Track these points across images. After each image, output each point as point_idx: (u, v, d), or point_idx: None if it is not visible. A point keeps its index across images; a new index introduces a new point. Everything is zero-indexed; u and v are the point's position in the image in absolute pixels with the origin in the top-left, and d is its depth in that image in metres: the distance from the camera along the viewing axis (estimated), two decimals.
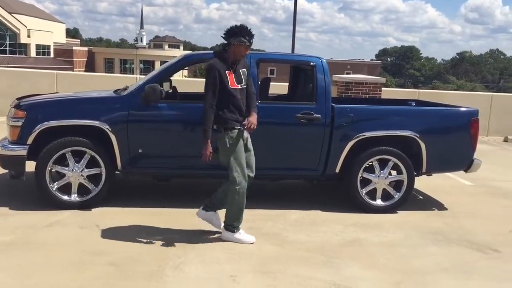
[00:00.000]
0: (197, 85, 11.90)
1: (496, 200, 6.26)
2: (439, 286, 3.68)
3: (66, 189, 4.98)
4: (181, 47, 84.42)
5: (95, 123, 4.91)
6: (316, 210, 5.34)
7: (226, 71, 4.16)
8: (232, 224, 4.34)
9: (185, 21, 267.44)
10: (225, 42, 4.20)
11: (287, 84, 6.73)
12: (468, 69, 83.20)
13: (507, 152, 10.34)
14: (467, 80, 71.40)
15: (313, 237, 4.57)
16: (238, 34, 4.13)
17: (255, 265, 3.87)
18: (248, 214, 5.05)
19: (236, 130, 4.18)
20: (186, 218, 4.84)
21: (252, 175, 4.35)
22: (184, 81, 12.44)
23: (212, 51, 5.08)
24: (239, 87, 4.21)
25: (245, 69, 4.31)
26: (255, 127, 4.20)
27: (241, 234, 4.36)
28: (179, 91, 5.76)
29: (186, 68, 29.51)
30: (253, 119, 4.20)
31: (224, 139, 4.16)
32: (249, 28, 4.19)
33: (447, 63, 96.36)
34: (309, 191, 6.36)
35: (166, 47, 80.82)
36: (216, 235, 4.44)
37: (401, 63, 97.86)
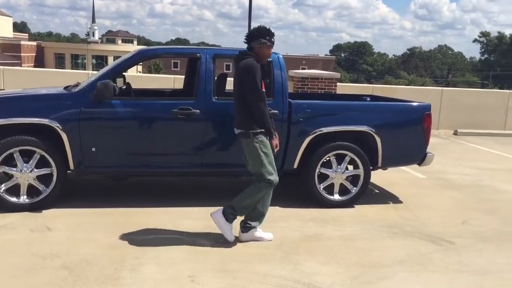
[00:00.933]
0: (152, 81, 11.69)
1: (448, 192, 6.46)
2: (396, 278, 3.75)
3: (15, 190, 4.75)
4: (135, 42, 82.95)
5: (45, 121, 4.70)
6: (274, 206, 5.31)
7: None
8: (257, 222, 4.34)
9: (138, 15, 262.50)
10: (248, 47, 4.21)
11: None
12: (418, 64, 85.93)
13: (457, 145, 10.71)
14: (418, 75, 73.76)
15: (272, 233, 4.55)
16: (258, 36, 4.15)
17: (214, 264, 3.82)
18: (206, 211, 5.01)
19: (263, 134, 4.15)
20: (142, 218, 4.73)
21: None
22: (139, 77, 12.18)
23: (169, 46, 4.98)
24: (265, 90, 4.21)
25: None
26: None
27: (260, 232, 4.36)
28: (133, 87, 5.62)
29: (141, 63, 29.01)
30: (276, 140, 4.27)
31: (253, 144, 4.11)
32: (267, 28, 4.20)
33: (399, 58, 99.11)
34: None
35: (119, 42, 79.11)
36: (172, 236, 4.35)
37: (354, 58, 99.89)
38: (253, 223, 4.31)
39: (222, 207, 4.29)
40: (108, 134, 4.92)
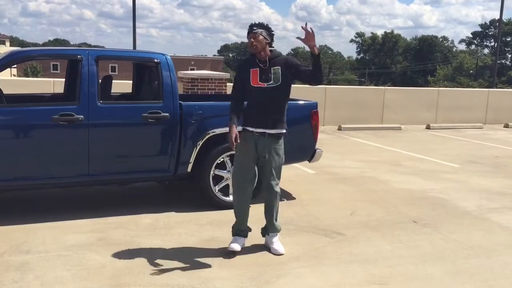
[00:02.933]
0: (28, 85, 10.79)
1: (337, 186, 6.77)
2: (293, 274, 3.81)
3: None
4: (7, 43, 76.43)
5: None
6: (170, 212, 5.17)
7: (251, 69, 4.00)
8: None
9: (9, 14, 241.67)
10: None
11: (131, 82, 6.40)
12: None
13: (341, 140, 11.32)
14: None
15: (168, 240, 4.40)
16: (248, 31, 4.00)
17: (106, 279, 3.57)
18: (98, 223, 4.74)
19: (244, 131, 4.03)
20: (21, 236, 4.31)
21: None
22: (13, 81, 11.18)
23: (47, 47, 4.60)
24: (265, 85, 3.96)
25: (279, 67, 4.00)
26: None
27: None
28: (8, 92, 5.10)
29: (15, 66, 26.68)
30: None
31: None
32: (252, 22, 4.02)
33: None
34: (161, 193, 6.15)
35: None
36: (57, 253, 4.01)
37: (242, 58, 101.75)
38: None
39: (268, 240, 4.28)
40: None
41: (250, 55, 4.10)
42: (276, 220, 4.26)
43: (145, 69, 5.80)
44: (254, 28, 3.97)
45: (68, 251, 4.07)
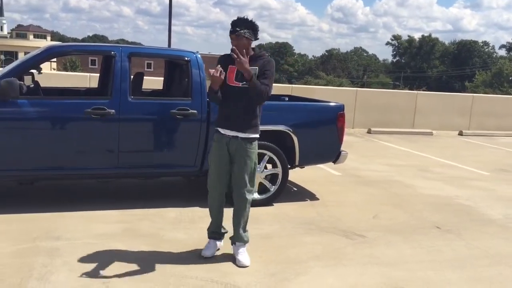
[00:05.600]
0: (66, 79, 11.15)
1: (361, 188, 6.76)
2: (311, 273, 3.86)
3: None
4: (48, 38, 78.75)
5: None
6: (194, 207, 5.29)
7: (230, 65, 3.76)
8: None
9: (51, 9, 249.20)
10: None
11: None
12: (336, 65, 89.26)
13: (370, 143, 11.25)
14: (336, 76, 76.58)
15: (191, 234, 4.52)
16: None
17: (129, 268, 3.71)
18: (125, 214, 4.89)
19: (216, 133, 3.86)
20: (52, 223, 4.51)
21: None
22: (52, 75, 11.55)
23: (82, 43, 4.77)
24: (240, 85, 3.73)
25: (257, 68, 3.74)
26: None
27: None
28: (51, 85, 5.32)
29: (54, 60, 27.58)
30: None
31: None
32: (236, 19, 3.76)
33: (318, 59, 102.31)
34: (187, 188, 6.29)
35: (31, 37, 74.67)
36: (84, 240, 4.18)
37: (276, 58, 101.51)
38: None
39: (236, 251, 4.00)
40: (14, 136, 4.64)
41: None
42: (244, 230, 3.98)
43: (176, 66, 5.94)
44: (237, 28, 3.67)
45: (96, 239, 4.24)
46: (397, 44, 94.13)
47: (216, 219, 4.05)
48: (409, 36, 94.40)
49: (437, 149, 10.85)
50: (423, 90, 38.89)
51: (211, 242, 4.07)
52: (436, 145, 11.57)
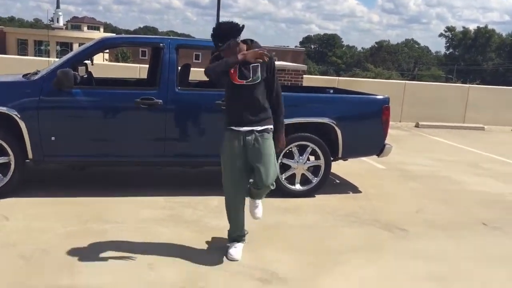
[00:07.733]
0: (117, 69, 11.52)
1: (406, 182, 6.66)
2: (350, 264, 3.88)
3: None
4: (101, 29, 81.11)
5: (2, 109, 4.62)
6: None
7: None
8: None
9: (104, 1, 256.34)
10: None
11: None
12: (386, 58, 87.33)
13: (417, 137, 11.01)
14: (385, 68, 74.92)
15: None
16: None
17: (173, 252, 3.86)
18: (170, 201, 5.07)
19: (228, 131, 3.79)
20: (101, 207, 4.73)
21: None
22: (105, 66, 11.97)
23: (132, 35, 4.94)
24: (244, 82, 3.72)
25: (258, 64, 3.74)
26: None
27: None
28: (103, 76, 5.55)
29: (106, 51, 28.44)
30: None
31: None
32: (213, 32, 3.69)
33: (367, 51, 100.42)
34: None
35: (85, 28, 77.23)
36: (131, 224, 4.37)
37: (324, 50, 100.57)
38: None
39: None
40: (68, 123, 4.89)
41: None
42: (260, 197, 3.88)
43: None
44: (220, 44, 3.63)
45: (142, 223, 4.42)
46: (451, 35, 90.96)
47: (241, 220, 3.96)
48: (463, 27, 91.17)
49: (489, 144, 10.49)
50: (477, 84, 37.43)
51: (238, 246, 3.95)
52: (487, 140, 11.18)
